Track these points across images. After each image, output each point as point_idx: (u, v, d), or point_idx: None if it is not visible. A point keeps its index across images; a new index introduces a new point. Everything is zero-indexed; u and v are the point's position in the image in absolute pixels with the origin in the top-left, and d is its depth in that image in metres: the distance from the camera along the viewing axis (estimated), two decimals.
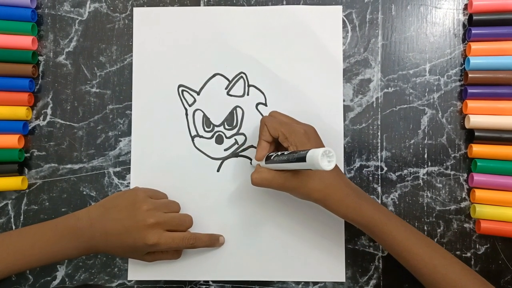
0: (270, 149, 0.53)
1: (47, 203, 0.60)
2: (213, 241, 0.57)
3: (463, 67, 0.59)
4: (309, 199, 0.50)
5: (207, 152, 0.59)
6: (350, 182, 0.52)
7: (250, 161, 0.59)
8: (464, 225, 0.58)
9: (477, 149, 0.57)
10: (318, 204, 0.51)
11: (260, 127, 0.54)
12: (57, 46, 0.61)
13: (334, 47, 0.60)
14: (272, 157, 0.50)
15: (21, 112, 0.59)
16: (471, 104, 0.57)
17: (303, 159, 0.44)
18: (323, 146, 0.52)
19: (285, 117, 0.55)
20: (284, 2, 0.60)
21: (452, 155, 0.59)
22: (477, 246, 0.58)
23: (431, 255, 0.48)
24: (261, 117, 0.59)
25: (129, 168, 0.60)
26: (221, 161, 0.59)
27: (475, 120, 0.57)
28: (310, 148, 0.44)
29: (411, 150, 0.59)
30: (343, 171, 0.59)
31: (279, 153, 0.49)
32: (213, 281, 0.59)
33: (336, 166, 0.51)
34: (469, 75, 0.57)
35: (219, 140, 0.59)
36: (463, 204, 0.58)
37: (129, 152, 0.60)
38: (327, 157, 0.42)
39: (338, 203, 0.50)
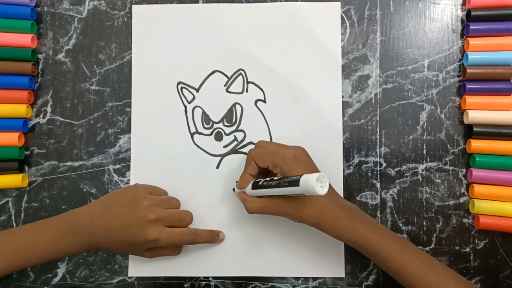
0: (258, 177, 0.54)
1: (48, 201, 0.60)
2: (213, 237, 0.57)
3: (461, 62, 0.59)
4: (303, 223, 0.51)
5: (207, 149, 0.60)
6: (344, 203, 0.52)
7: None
8: (463, 220, 0.58)
9: (476, 145, 0.57)
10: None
11: (246, 160, 0.54)
12: (56, 44, 0.61)
13: (332, 44, 0.60)
14: (260, 183, 0.50)
15: (21, 110, 0.59)
16: (469, 99, 0.58)
17: (296, 183, 0.44)
18: (313, 166, 0.52)
19: (272, 145, 0.55)
20: None
21: (451, 151, 0.59)
22: (476, 241, 0.58)
23: (425, 273, 0.48)
24: (260, 113, 0.60)
25: (129, 165, 0.60)
26: (220, 157, 0.60)
27: (474, 116, 0.57)
28: (299, 172, 0.44)
29: (410, 146, 0.59)
30: (342, 168, 0.59)
31: (268, 178, 0.50)
32: (213, 277, 0.59)
33: (330, 187, 0.51)
34: (468, 71, 0.57)
35: (219, 137, 0.60)
36: (462, 200, 0.59)
37: (129, 149, 0.60)
38: (320, 182, 0.43)
39: (331, 227, 0.50)
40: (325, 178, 0.43)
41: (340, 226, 0.50)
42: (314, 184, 0.42)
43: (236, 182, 0.55)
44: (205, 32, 0.60)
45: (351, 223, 0.50)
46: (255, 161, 0.52)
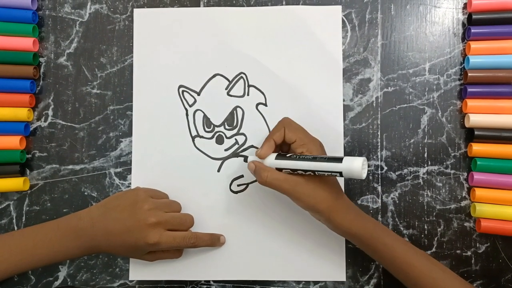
0: (275, 151, 0.52)
1: (49, 204, 0.60)
2: (214, 241, 0.57)
3: (462, 66, 0.59)
4: (313, 209, 0.50)
5: (208, 152, 0.60)
6: (349, 200, 0.53)
7: (245, 158, 0.56)
8: (464, 224, 0.58)
9: (477, 148, 0.57)
10: (317, 217, 0.51)
11: (276, 127, 0.53)
12: (58, 48, 0.61)
13: (333, 47, 0.60)
14: (288, 155, 0.50)
15: (22, 113, 0.59)
16: (470, 103, 0.58)
17: (338, 160, 0.46)
18: None
19: (299, 126, 0.54)
20: (284, 2, 0.61)
21: (452, 154, 0.59)
22: (478, 245, 0.58)
23: (430, 268, 0.49)
24: (261, 117, 0.60)
25: (130, 168, 0.60)
26: (221, 161, 0.60)
27: (475, 119, 0.57)
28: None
29: (411, 149, 0.59)
30: None
31: (300, 155, 0.50)
32: (214, 281, 0.59)
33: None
34: (469, 74, 0.57)
35: (220, 140, 0.60)
36: (463, 203, 0.59)
37: (130, 152, 0.60)
38: (364, 167, 0.45)
39: (341, 218, 0.50)
40: (366, 163, 0.46)
41: (351, 218, 0.50)
42: (361, 166, 0.44)
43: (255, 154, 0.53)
44: (206, 35, 0.60)
45: (359, 218, 0.51)
46: (286, 130, 0.51)
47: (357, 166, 0.44)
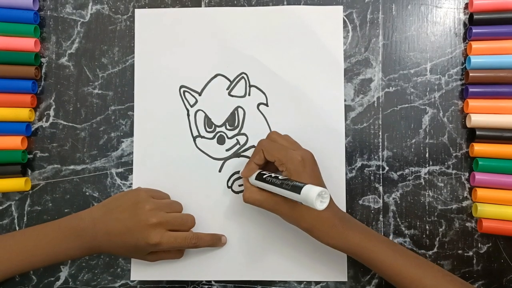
0: (261, 168, 0.54)
1: (50, 204, 0.60)
2: (215, 241, 0.57)
3: (464, 66, 0.59)
4: (297, 226, 0.52)
5: (209, 153, 0.60)
6: (338, 210, 0.53)
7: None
8: (466, 224, 0.58)
9: (479, 148, 0.57)
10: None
11: (255, 149, 0.54)
12: (59, 48, 0.61)
13: (335, 47, 0.60)
14: (264, 177, 0.51)
15: (24, 113, 0.59)
16: (472, 103, 0.58)
17: (298, 190, 0.45)
18: (318, 174, 0.52)
19: (284, 140, 0.55)
20: (285, 3, 0.61)
21: (454, 154, 0.59)
22: (479, 245, 0.58)
23: (421, 277, 0.48)
24: (262, 117, 0.60)
25: (132, 168, 0.60)
26: (222, 161, 0.60)
27: (476, 119, 0.57)
28: (304, 178, 0.45)
29: (412, 150, 0.59)
30: (344, 171, 0.59)
31: (273, 175, 0.50)
32: (216, 281, 0.59)
33: None
34: (470, 74, 0.57)
35: (221, 141, 0.60)
36: (464, 203, 0.58)
37: (131, 153, 0.60)
38: (321, 198, 0.44)
39: (324, 234, 0.50)
40: (327, 194, 0.44)
41: (333, 234, 0.50)
42: (314, 198, 0.43)
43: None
44: (208, 36, 0.61)
45: (345, 231, 0.50)
46: (264, 152, 0.52)
47: (311, 198, 0.43)
